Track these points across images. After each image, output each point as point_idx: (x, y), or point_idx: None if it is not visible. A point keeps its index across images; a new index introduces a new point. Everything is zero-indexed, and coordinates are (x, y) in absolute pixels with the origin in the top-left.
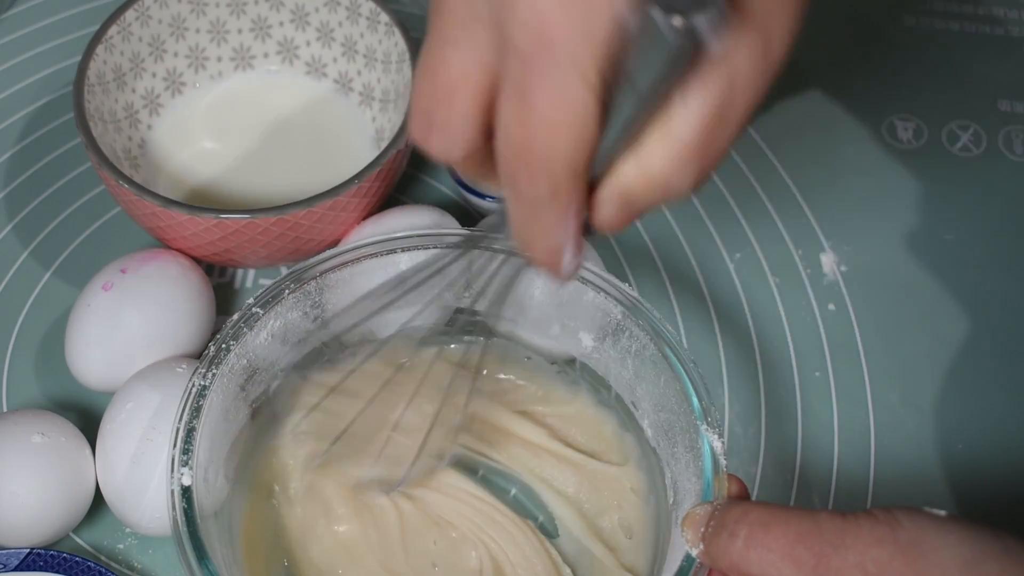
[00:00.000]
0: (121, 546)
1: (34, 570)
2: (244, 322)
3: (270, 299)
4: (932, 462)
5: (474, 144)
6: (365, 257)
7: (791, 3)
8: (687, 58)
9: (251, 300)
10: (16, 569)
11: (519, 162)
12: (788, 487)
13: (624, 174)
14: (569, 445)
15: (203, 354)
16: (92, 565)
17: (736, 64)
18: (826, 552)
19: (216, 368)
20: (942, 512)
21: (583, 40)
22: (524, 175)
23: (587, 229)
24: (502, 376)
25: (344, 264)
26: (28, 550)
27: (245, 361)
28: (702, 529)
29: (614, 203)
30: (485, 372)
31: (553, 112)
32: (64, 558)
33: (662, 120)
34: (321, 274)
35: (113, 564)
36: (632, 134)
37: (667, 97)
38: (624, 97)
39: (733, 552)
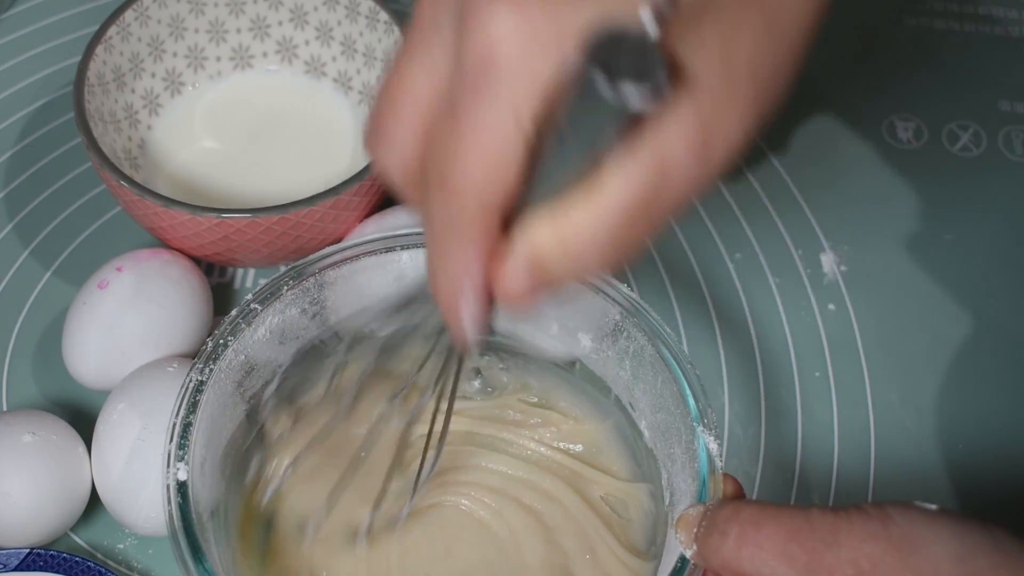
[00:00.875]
0: (121, 546)
1: (34, 570)
2: (242, 318)
3: (268, 295)
4: (932, 462)
5: (412, 160)
6: (364, 254)
7: (740, 105)
8: (619, 124)
9: (249, 296)
10: (16, 569)
11: (436, 179)
12: (788, 487)
13: (537, 232)
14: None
15: (201, 349)
16: (92, 565)
17: (670, 148)
18: (818, 549)
19: (214, 364)
20: (933, 506)
21: (527, 77)
22: (438, 195)
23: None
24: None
25: (343, 261)
26: (28, 550)
27: (243, 357)
28: (695, 530)
29: (521, 261)
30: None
31: (479, 138)
32: (64, 558)
33: (586, 190)
34: (320, 271)
35: (113, 564)
36: (552, 192)
37: (594, 163)
38: (551, 150)
39: (725, 551)
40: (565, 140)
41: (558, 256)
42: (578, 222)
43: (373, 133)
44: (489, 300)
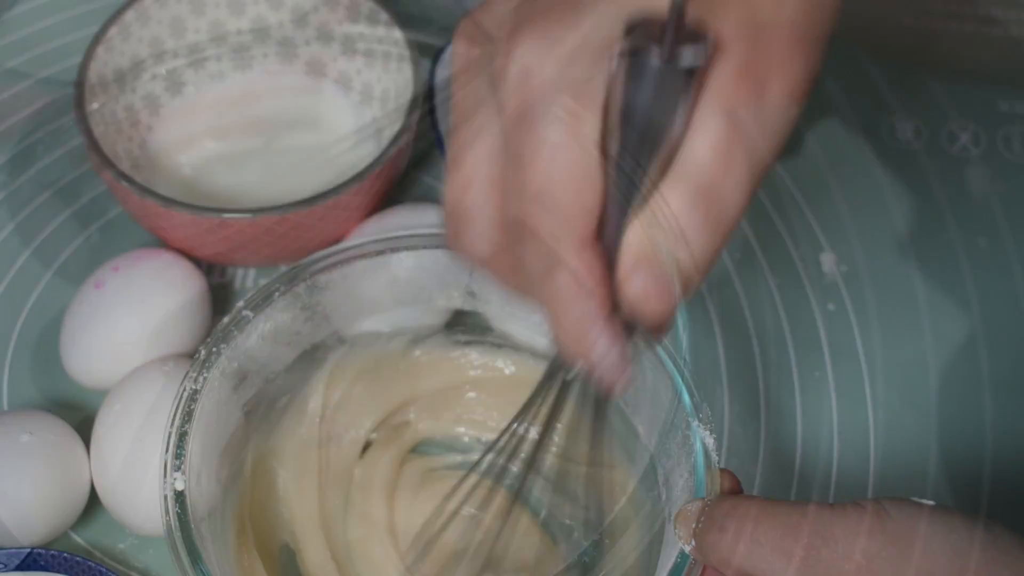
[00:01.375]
0: (121, 545)
1: (34, 570)
2: (234, 325)
3: (260, 302)
4: (932, 462)
5: (500, 240)
6: (355, 258)
7: (778, 54)
8: (677, 94)
9: (241, 303)
10: (16, 569)
11: (522, 234)
12: (787, 487)
13: (635, 236)
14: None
15: (194, 357)
16: (92, 565)
17: (727, 94)
18: (815, 544)
19: (207, 372)
20: (930, 502)
21: (571, 90)
22: (529, 246)
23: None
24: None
25: (335, 265)
26: (28, 550)
27: (236, 364)
28: (694, 525)
29: (635, 270)
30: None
31: (544, 167)
32: (64, 558)
33: (665, 174)
34: (311, 275)
35: (114, 564)
36: (637, 191)
37: (667, 144)
38: (623, 147)
39: (723, 547)
40: (634, 136)
41: (666, 244)
42: (673, 203)
43: (455, 234)
44: (624, 329)
